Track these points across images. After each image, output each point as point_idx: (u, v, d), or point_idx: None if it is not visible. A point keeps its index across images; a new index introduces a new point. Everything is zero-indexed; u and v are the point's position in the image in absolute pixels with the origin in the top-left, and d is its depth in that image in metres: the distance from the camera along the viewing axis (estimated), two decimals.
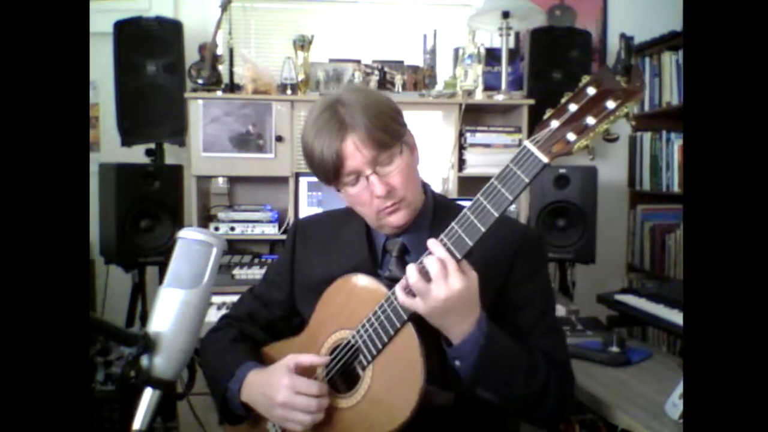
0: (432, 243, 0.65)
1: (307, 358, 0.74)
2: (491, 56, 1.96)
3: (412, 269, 0.65)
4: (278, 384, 0.72)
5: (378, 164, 0.73)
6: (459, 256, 0.65)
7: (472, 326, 0.66)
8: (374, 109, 0.73)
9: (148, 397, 0.53)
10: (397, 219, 0.75)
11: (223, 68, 1.81)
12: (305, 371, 0.74)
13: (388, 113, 0.74)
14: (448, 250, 0.65)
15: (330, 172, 0.74)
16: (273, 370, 0.75)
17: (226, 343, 0.84)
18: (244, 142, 1.75)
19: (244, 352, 0.82)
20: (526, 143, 0.63)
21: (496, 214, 0.63)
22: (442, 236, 0.67)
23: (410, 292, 0.66)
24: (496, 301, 0.74)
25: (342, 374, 0.76)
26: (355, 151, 0.72)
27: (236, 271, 1.67)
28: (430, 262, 0.64)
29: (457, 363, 0.67)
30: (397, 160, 0.74)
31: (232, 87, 1.81)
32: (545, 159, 0.61)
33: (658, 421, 0.93)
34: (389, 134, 0.73)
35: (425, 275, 0.64)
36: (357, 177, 0.74)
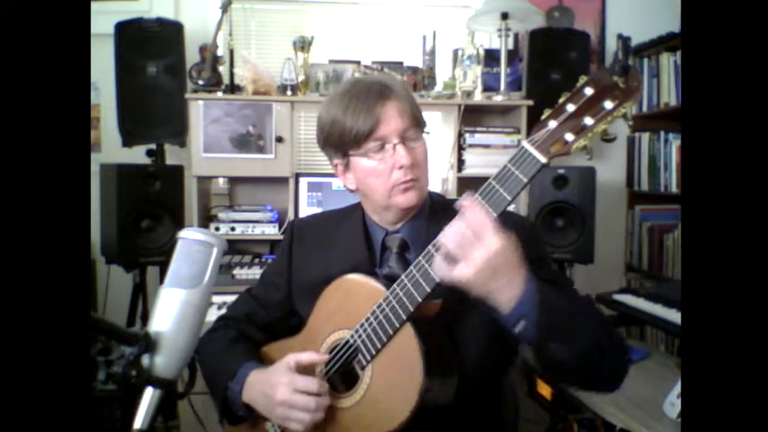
0: (467, 203, 0.61)
1: (306, 356, 0.74)
2: (490, 57, 1.97)
3: (448, 233, 0.61)
4: (278, 383, 0.72)
5: (406, 137, 0.75)
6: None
7: (524, 282, 0.62)
8: (409, 92, 0.79)
9: (148, 396, 0.54)
10: (407, 199, 0.76)
11: (223, 69, 1.81)
12: (306, 370, 0.74)
13: (417, 102, 0.79)
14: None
15: (360, 136, 0.74)
16: (273, 369, 0.75)
17: (226, 344, 0.84)
18: (245, 142, 1.75)
19: (245, 352, 0.82)
20: (524, 143, 0.63)
21: (495, 214, 0.63)
22: (440, 236, 0.67)
23: (450, 259, 0.61)
24: None
25: (341, 374, 0.76)
26: (395, 116, 0.74)
27: (237, 271, 1.68)
28: (463, 227, 0.60)
29: (521, 325, 0.62)
30: (422, 139, 0.78)
31: (233, 88, 1.82)
32: (543, 159, 0.61)
33: (656, 420, 0.93)
34: (421, 116, 0.78)
35: (461, 238, 0.60)
36: (382, 145, 0.75)
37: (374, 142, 0.74)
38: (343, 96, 0.76)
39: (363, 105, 0.74)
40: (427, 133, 0.79)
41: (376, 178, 0.76)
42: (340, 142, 0.77)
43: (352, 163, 0.78)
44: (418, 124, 0.77)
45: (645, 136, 2.08)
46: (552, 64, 1.94)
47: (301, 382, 0.72)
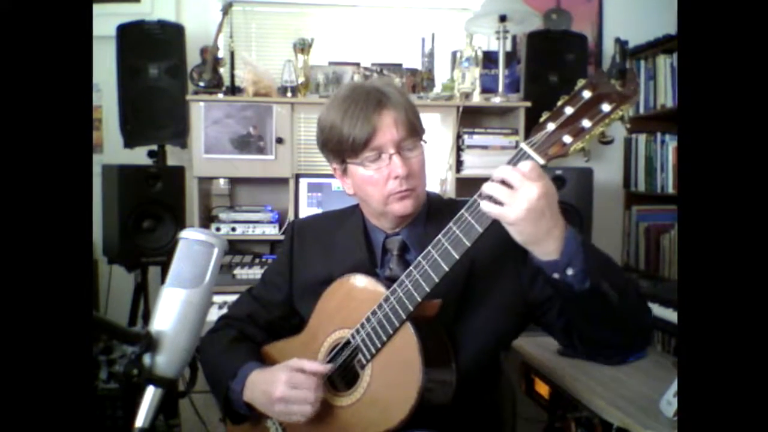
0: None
1: (310, 366, 0.73)
2: (488, 59, 1.98)
3: (491, 182, 0.62)
4: (276, 380, 0.73)
5: (402, 147, 0.75)
6: (457, 256, 0.66)
7: (565, 228, 0.62)
8: (407, 99, 0.79)
9: (150, 395, 0.54)
10: (404, 207, 0.76)
11: (224, 71, 1.82)
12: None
13: (415, 108, 0.79)
14: (446, 249, 0.66)
15: (357, 145, 0.74)
16: (274, 369, 0.76)
17: (227, 344, 0.85)
18: (245, 143, 1.76)
19: (246, 352, 0.83)
20: (523, 145, 0.64)
21: (495, 217, 0.63)
22: (439, 236, 0.68)
23: (495, 201, 0.61)
24: (520, 281, 0.74)
25: (341, 373, 0.77)
26: (390, 126, 0.74)
27: (237, 271, 1.68)
28: (507, 171, 0.60)
29: (570, 270, 0.62)
30: (419, 148, 0.77)
31: (233, 89, 1.82)
32: (542, 160, 0.62)
33: (652, 419, 0.94)
34: (419, 124, 0.78)
35: (506, 184, 0.60)
36: (378, 154, 0.75)
37: (370, 152, 0.75)
38: (343, 101, 0.77)
39: (361, 113, 0.74)
40: (425, 142, 0.79)
41: (372, 187, 0.77)
42: (338, 148, 0.77)
43: (349, 170, 0.79)
44: (416, 133, 0.77)
45: (642, 138, 2.09)
46: (549, 66, 1.95)
47: (298, 378, 0.72)
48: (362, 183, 0.78)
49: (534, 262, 0.64)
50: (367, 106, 0.74)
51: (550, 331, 0.77)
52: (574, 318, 0.68)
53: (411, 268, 0.70)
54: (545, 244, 0.62)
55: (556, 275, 0.63)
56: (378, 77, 1.80)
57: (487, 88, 1.93)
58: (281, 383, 0.72)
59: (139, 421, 0.54)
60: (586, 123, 0.61)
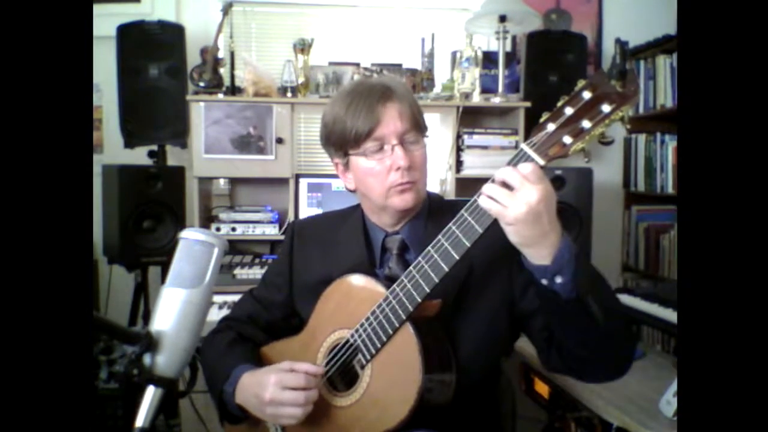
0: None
1: (302, 366, 0.73)
2: (488, 59, 1.98)
3: (491, 183, 0.62)
4: (266, 382, 0.72)
5: (405, 140, 0.76)
6: (457, 256, 0.66)
7: (561, 236, 0.62)
8: (412, 95, 0.80)
9: (150, 394, 0.54)
10: (404, 200, 0.76)
11: (224, 71, 1.82)
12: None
13: (419, 106, 0.80)
14: (446, 250, 0.66)
15: (359, 135, 0.75)
16: (265, 371, 0.75)
17: (224, 346, 0.85)
18: (245, 143, 1.76)
19: (241, 354, 0.83)
20: (523, 146, 0.64)
21: (494, 216, 0.64)
22: (439, 237, 0.68)
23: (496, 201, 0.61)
24: (512, 288, 0.75)
25: (341, 373, 0.77)
26: (394, 118, 0.75)
27: (237, 271, 1.68)
28: (509, 173, 0.60)
29: (559, 279, 0.62)
30: (422, 143, 0.78)
31: (233, 90, 1.82)
32: (542, 161, 0.62)
33: (652, 419, 0.94)
34: (422, 120, 0.79)
35: (507, 186, 0.60)
36: (381, 146, 0.75)
37: (373, 142, 0.75)
38: (347, 95, 0.77)
39: (364, 105, 0.75)
40: (427, 137, 0.79)
41: (373, 179, 0.77)
42: (340, 141, 0.78)
43: (351, 163, 0.79)
44: (419, 127, 0.78)
45: (641, 138, 2.09)
46: (549, 66, 1.95)
47: (288, 379, 0.72)
48: (364, 175, 0.78)
49: (525, 265, 0.64)
50: (371, 99, 0.75)
51: (531, 341, 0.77)
52: (556, 329, 0.68)
53: (411, 268, 0.70)
54: (540, 247, 0.62)
55: (544, 281, 0.63)
56: (379, 77, 1.80)
57: (487, 89, 1.93)
58: (271, 385, 0.71)
59: (139, 421, 0.54)
60: (586, 124, 0.61)
